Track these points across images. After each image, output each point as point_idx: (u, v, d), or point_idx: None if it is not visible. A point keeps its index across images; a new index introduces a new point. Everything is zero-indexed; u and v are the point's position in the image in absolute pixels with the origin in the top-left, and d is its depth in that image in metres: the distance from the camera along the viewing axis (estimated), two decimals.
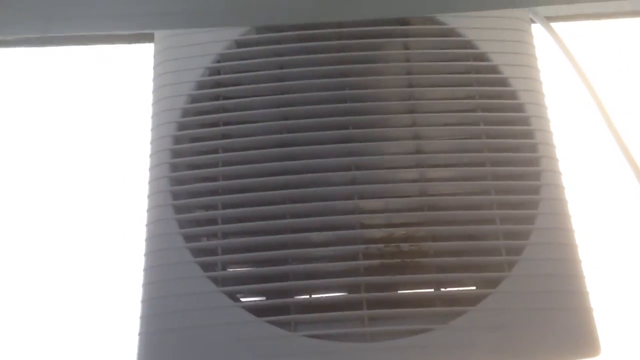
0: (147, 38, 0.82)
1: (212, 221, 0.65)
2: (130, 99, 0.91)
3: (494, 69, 0.71)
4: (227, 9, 0.70)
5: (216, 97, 0.71)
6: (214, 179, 0.67)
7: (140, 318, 0.64)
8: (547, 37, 0.82)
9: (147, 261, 0.65)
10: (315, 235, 0.65)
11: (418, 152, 0.67)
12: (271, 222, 0.64)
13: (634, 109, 0.85)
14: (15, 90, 0.95)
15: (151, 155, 0.70)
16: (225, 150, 0.68)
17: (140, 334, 0.63)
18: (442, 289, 0.62)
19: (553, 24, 0.83)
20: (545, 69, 0.76)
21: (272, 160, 0.67)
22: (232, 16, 0.70)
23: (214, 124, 0.69)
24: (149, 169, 0.70)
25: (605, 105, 0.77)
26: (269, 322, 0.60)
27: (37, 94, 0.96)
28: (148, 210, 0.68)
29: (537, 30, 0.80)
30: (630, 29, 0.96)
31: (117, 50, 0.98)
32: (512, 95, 0.70)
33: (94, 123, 0.91)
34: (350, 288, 0.63)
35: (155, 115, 0.72)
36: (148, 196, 0.69)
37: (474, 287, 0.63)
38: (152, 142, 0.71)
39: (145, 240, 0.66)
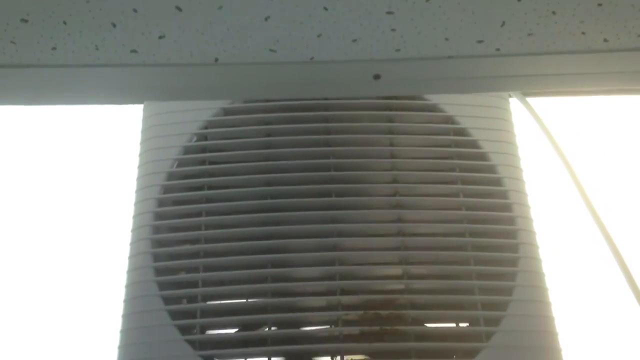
0: None
1: (192, 284, 0.66)
2: (118, 159, 0.92)
3: (473, 144, 0.74)
4: (218, 84, 0.72)
5: (202, 162, 0.72)
6: (196, 241, 0.68)
7: None
8: (524, 111, 0.86)
9: (124, 323, 0.66)
10: (297, 301, 0.65)
11: (399, 220, 0.68)
12: (251, 286, 0.65)
13: (609, 183, 0.88)
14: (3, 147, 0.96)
15: (134, 217, 0.72)
16: (209, 214, 0.69)
17: None
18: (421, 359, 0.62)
19: (529, 99, 0.87)
20: (522, 141, 0.79)
21: (254, 225, 0.68)
22: (223, 91, 0.73)
23: (199, 188, 0.71)
24: (131, 231, 0.71)
25: (581, 179, 0.80)
26: None
27: (23, 149, 0.97)
28: (128, 272, 0.68)
29: (514, 104, 0.84)
30: (607, 105, 1.00)
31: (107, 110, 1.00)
32: (491, 169, 0.72)
33: (81, 178, 0.92)
34: (330, 354, 0.63)
35: (140, 177, 0.73)
36: (129, 257, 0.69)
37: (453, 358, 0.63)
38: (135, 204, 0.72)
39: (124, 301, 0.67)
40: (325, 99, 0.76)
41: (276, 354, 0.64)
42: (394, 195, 0.72)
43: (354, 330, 0.64)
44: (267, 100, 0.76)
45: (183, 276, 0.68)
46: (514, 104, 0.87)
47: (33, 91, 0.72)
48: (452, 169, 0.74)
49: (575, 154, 0.86)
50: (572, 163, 0.85)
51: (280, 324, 0.65)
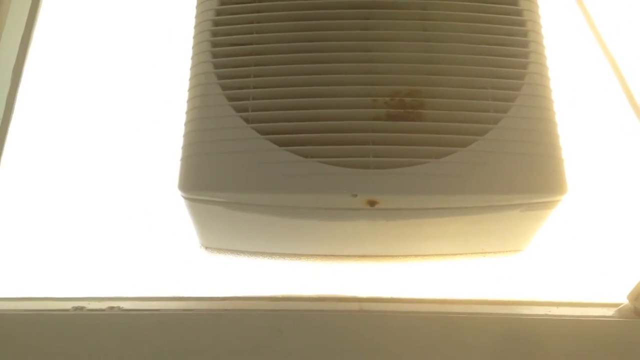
0: None
1: (245, 74, 0.77)
2: None
3: None
4: None
5: None
6: (249, 44, 0.79)
7: (181, 148, 0.75)
8: None
9: (189, 105, 0.77)
10: (333, 89, 0.76)
11: (424, 29, 0.78)
12: (293, 77, 0.76)
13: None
14: None
15: (195, 26, 0.82)
16: (259, 21, 0.79)
17: (181, 159, 0.74)
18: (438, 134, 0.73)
19: None
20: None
21: (298, 30, 0.78)
22: None
23: (252, 1, 0.81)
24: (193, 37, 0.82)
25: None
26: (288, 150, 0.71)
27: None
28: (191, 68, 0.80)
29: None
30: None
31: None
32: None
33: None
34: (359, 131, 0.74)
35: None
36: (191, 57, 0.81)
37: None
38: (196, 16, 0.83)
39: (188, 90, 0.78)
40: None
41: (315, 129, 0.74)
42: (421, 9, 0.81)
43: (381, 112, 0.75)
44: None
45: (237, 69, 0.79)
46: None
47: None
48: None
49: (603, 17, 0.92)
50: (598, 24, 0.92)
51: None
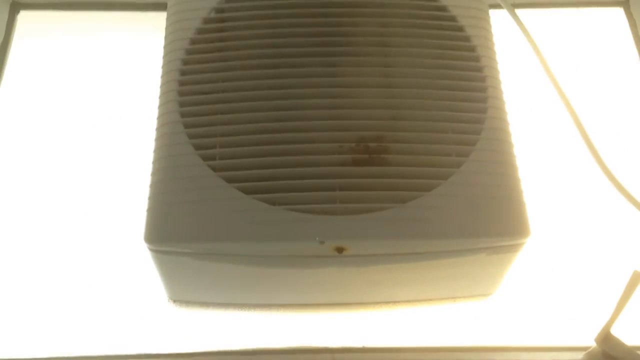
0: (162, 7, 0.95)
1: (212, 122, 0.78)
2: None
3: (452, 19, 0.86)
4: None
5: (219, 30, 0.85)
6: (216, 92, 0.80)
7: (147, 199, 0.76)
8: (512, 23, 0.97)
9: (155, 155, 0.78)
10: (299, 136, 0.77)
11: (386, 76, 0.81)
12: (260, 124, 0.78)
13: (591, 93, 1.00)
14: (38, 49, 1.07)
15: (162, 76, 0.84)
16: (225, 70, 0.82)
17: (147, 210, 0.75)
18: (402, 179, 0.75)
19: (519, 11, 0.98)
20: (508, 54, 0.91)
21: (264, 78, 0.80)
22: None
23: (219, 50, 0.83)
24: (160, 86, 0.84)
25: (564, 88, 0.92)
26: (255, 198, 0.72)
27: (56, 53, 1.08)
28: (158, 118, 0.81)
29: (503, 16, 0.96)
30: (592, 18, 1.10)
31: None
32: (467, 39, 0.85)
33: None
34: (326, 177, 0.76)
35: (167, 44, 0.86)
36: (158, 107, 0.82)
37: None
38: (162, 66, 0.84)
39: (155, 139, 0.79)
40: None
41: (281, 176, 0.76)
42: (384, 56, 0.84)
43: (347, 158, 0.76)
44: None
45: (204, 118, 0.81)
46: (503, 16, 0.98)
47: None
48: (432, 37, 0.86)
49: (560, 66, 0.96)
50: (556, 74, 0.96)
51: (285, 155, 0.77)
